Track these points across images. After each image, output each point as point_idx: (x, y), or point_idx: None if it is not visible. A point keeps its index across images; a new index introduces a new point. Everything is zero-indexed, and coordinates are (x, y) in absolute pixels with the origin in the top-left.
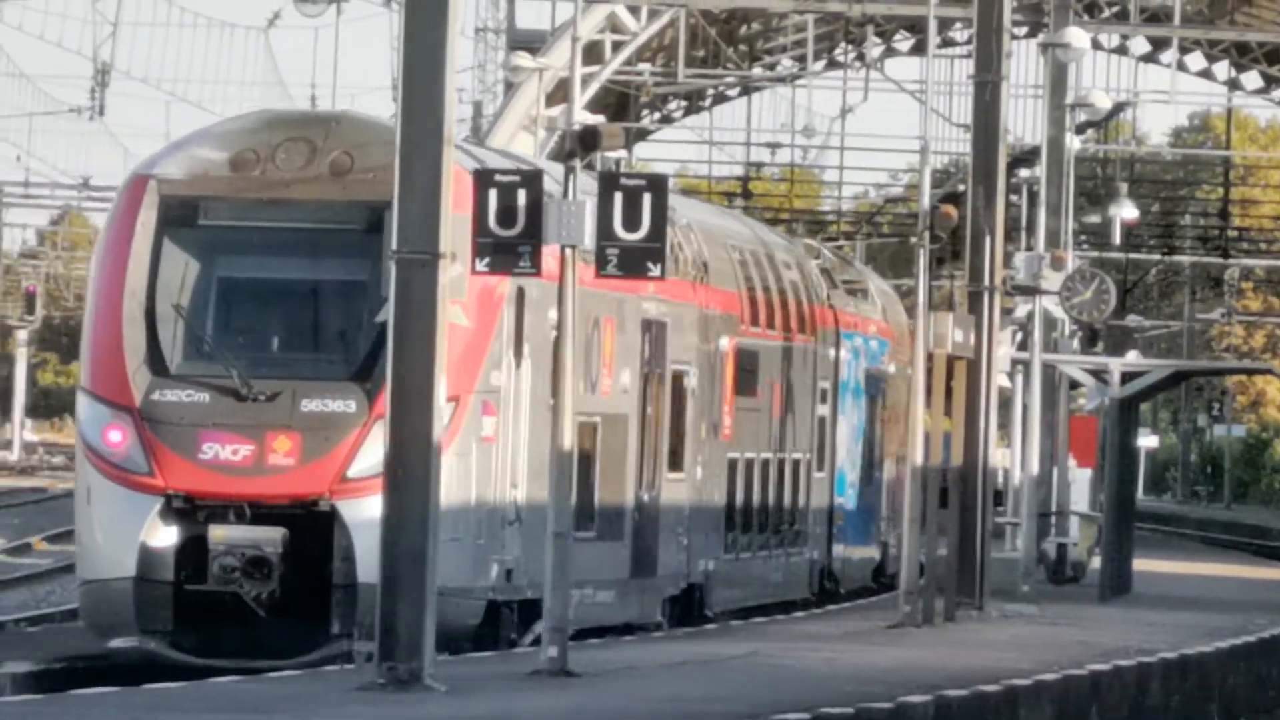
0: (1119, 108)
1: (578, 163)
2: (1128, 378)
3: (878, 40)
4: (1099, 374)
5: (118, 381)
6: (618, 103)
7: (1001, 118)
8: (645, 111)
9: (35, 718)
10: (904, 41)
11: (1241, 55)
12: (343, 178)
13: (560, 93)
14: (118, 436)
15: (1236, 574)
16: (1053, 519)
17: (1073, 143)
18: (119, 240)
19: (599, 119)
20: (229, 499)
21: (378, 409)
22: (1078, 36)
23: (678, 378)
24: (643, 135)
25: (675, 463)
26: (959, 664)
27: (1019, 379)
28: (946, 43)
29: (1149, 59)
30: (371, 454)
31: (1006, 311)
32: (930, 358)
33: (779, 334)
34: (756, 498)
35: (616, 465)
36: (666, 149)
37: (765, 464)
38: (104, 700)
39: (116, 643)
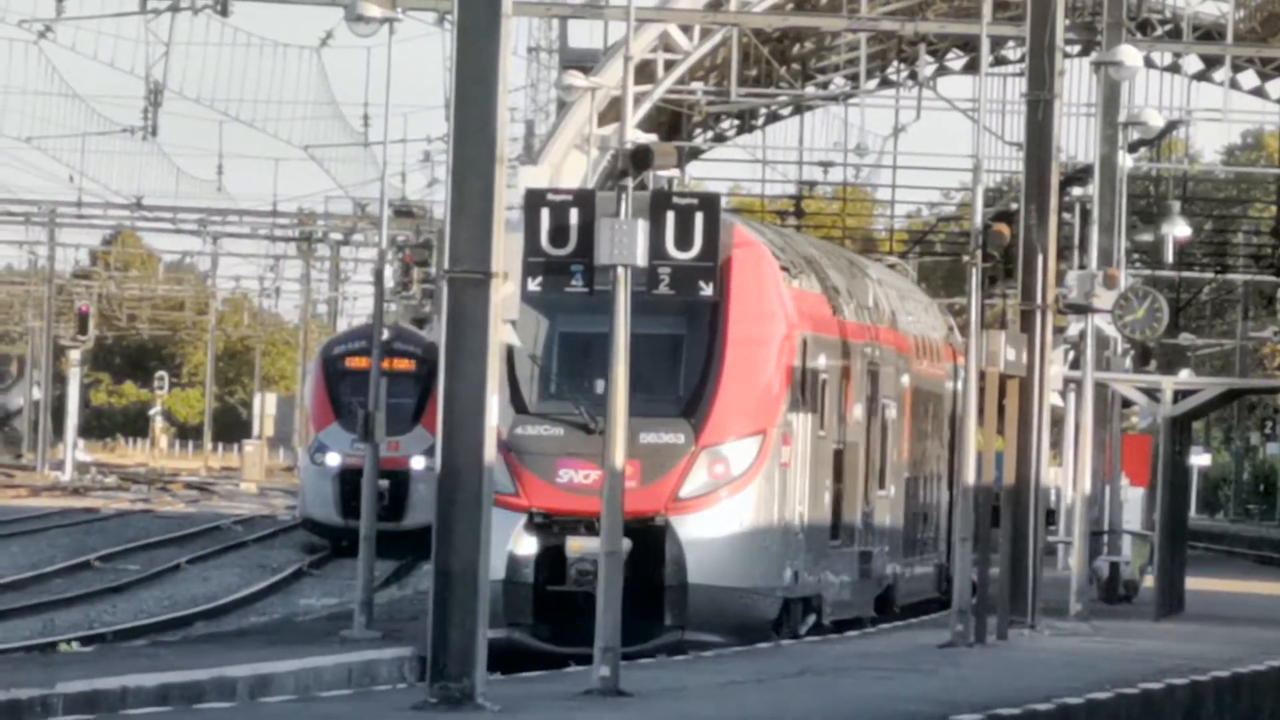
0: (1171, 126)
1: (630, 182)
2: (1180, 396)
3: (930, 59)
4: (1151, 392)
5: None
6: (670, 122)
7: (1054, 136)
8: (698, 130)
9: None
10: (957, 60)
11: None
12: None
13: (613, 112)
14: None
15: None
16: (1105, 537)
17: (1125, 161)
18: None
19: (651, 138)
20: (581, 515)
21: (702, 440)
22: (1130, 55)
23: (884, 409)
24: (695, 154)
25: (881, 482)
26: (1011, 682)
27: (1071, 397)
28: (999, 61)
29: (1202, 77)
30: (698, 478)
31: (1059, 330)
32: (983, 376)
33: (930, 370)
34: (917, 510)
35: (852, 484)
36: (719, 168)
37: (921, 481)
38: None
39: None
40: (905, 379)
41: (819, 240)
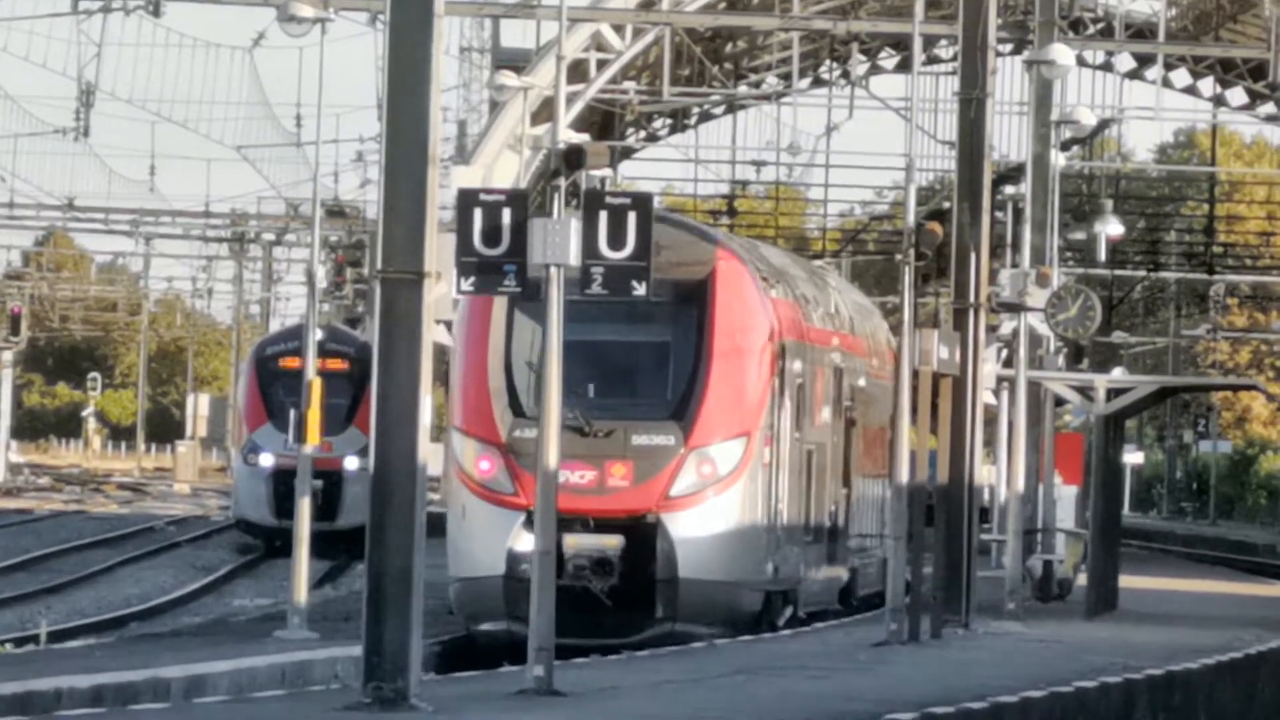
0: (1104, 124)
1: (563, 181)
2: (1113, 394)
3: (863, 58)
4: (1084, 390)
5: (486, 422)
6: (603, 121)
7: (986, 135)
8: (630, 130)
9: None
10: (889, 59)
11: (1226, 71)
12: (654, 261)
13: (545, 111)
14: (487, 465)
15: (1222, 590)
16: (1038, 536)
17: (1058, 159)
18: (480, 313)
19: (584, 137)
20: (577, 513)
21: (691, 442)
22: (1062, 53)
23: (846, 410)
24: (628, 154)
25: (845, 480)
26: (945, 681)
27: (1004, 396)
28: (931, 60)
29: (1134, 75)
30: (687, 477)
31: (992, 328)
32: (916, 375)
33: (879, 371)
34: (867, 506)
35: (821, 483)
36: (652, 167)
37: (871, 479)
38: None
39: (485, 626)
40: (861, 381)
41: (784, 250)
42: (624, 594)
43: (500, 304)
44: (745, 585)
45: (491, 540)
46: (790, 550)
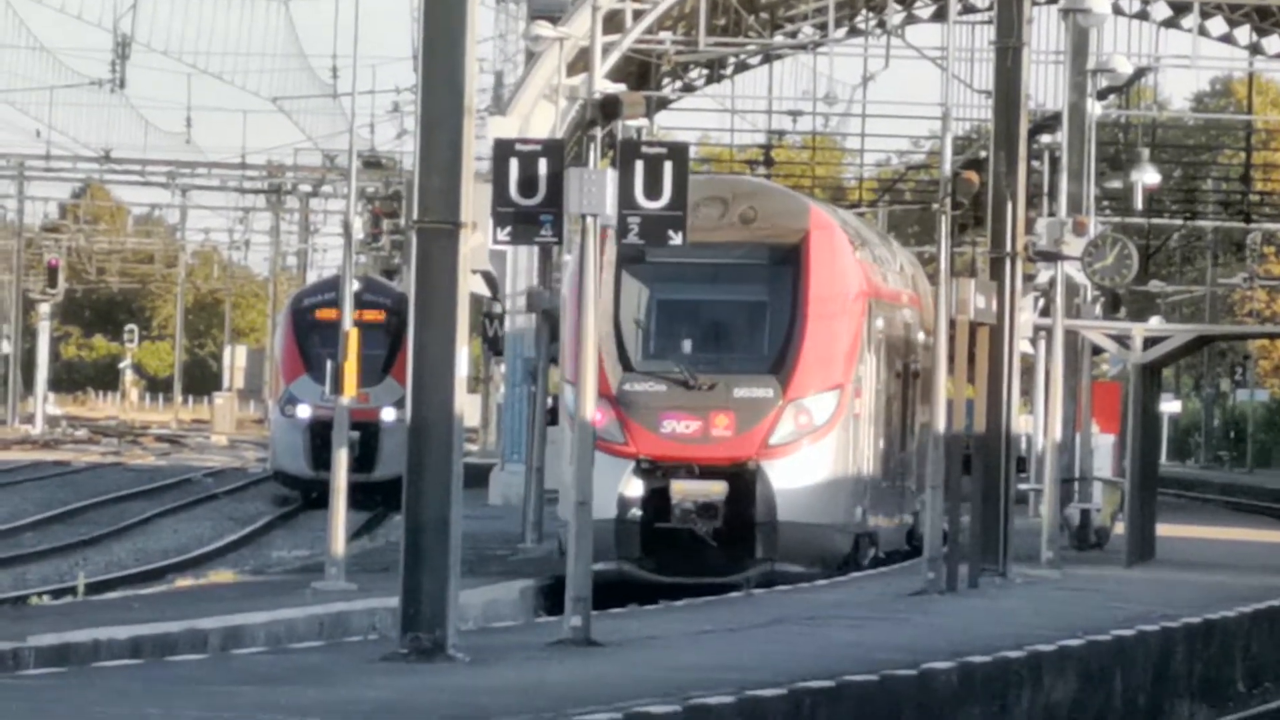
0: (1140, 73)
1: (599, 131)
2: (1150, 343)
3: (899, 7)
4: (1121, 339)
5: (598, 376)
6: (639, 72)
7: (1023, 84)
8: (666, 80)
9: (55, 690)
10: (925, 8)
11: (1263, 19)
12: (750, 225)
13: (581, 62)
14: (599, 416)
15: (1260, 538)
16: (1076, 485)
17: (1094, 108)
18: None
19: (620, 88)
20: (683, 461)
21: (789, 394)
22: (1099, 2)
23: (912, 363)
24: (664, 104)
25: (912, 428)
26: (983, 630)
27: (1041, 345)
28: (967, 9)
29: (1170, 24)
30: (785, 427)
31: (1028, 277)
32: (953, 324)
33: (930, 328)
34: (925, 454)
35: (895, 431)
36: (688, 117)
37: (924, 428)
38: (129, 673)
39: (597, 566)
40: (921, 335)
41: (855, 215)
42: (727, 536)
43: (609, 266)
44: (837, 528)
45: (602, 486)
46: (874, 495)
